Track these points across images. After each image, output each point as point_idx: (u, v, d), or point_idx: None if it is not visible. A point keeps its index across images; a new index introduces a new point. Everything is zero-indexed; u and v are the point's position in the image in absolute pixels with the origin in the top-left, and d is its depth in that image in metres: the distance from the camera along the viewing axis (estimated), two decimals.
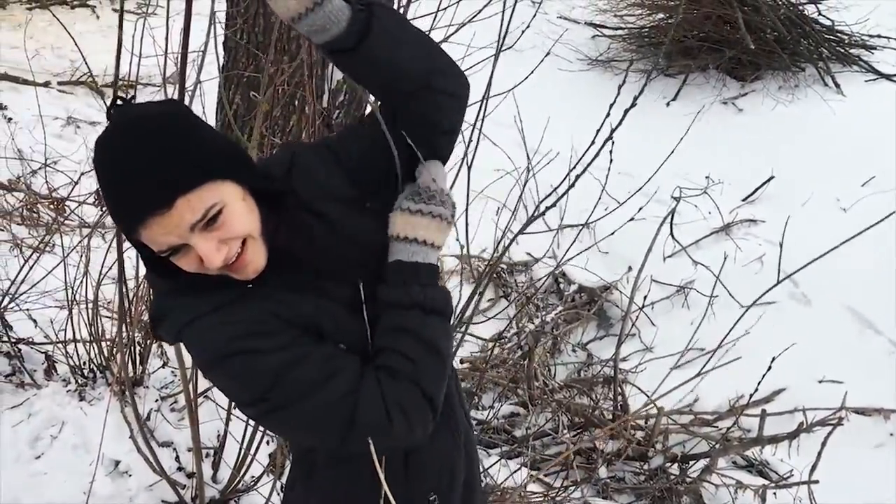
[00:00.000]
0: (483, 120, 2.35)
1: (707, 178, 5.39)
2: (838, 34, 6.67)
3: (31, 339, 3.20)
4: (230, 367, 1.22)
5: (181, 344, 1.35)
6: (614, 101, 1.98)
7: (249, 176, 1.26)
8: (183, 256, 1.19)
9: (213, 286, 1.25)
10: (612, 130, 2.03)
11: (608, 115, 2.07)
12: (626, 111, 1.94)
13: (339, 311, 1.30)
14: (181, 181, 1.15)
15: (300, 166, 1.41)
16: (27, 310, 3.20)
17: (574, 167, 2.32)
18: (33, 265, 3.11)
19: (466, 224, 2.86)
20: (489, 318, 4.44)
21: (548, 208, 2.35)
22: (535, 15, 2.33)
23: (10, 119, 5.46)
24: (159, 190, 1.14)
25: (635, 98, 1.94)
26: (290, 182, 1.37)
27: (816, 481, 3.12)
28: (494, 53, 2.21)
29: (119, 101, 1.21)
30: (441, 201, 1.36)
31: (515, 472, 3.05)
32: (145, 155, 1.14)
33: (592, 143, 2.07)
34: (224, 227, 1.19)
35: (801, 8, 6.66)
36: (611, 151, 2.21)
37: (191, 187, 1.15)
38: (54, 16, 2.62)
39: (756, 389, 3.26)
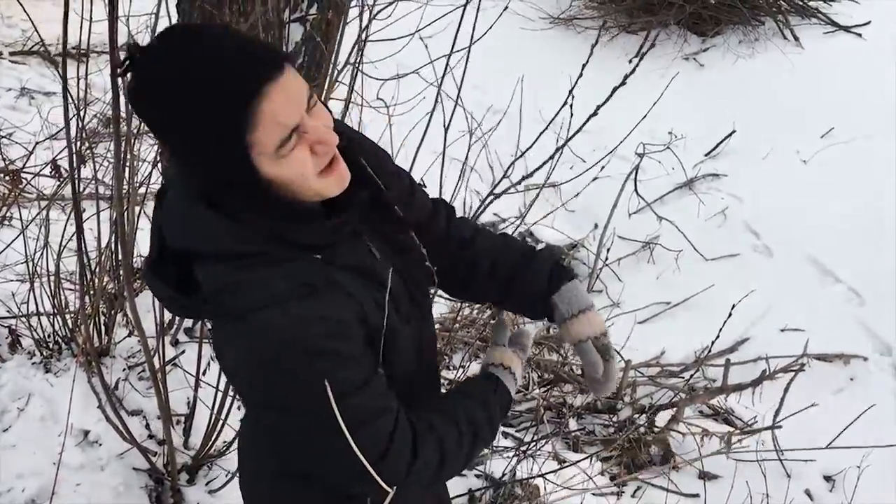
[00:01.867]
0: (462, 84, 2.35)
1: (670, 133, 5.43)
2: None
3: None
4: (304, 368, 1.13)
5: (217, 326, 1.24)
6: (586, 62, 1.99)
7: None
8: (296, 148, 1.09)
9: (290, 258, 1.15)
10: (598, 107, 2.05)
11: (580, 75, 2.09)
12: (626, 76, 1.96)
13: (393, 322, 1.27)
14: (280, 50, 1.15)
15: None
16: None
17: (548, 128, 2.32)
18: None
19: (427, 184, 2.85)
20: None
21: (536, 170, 2.37)
22: None
23: None
24: (269, 53, 1.08)
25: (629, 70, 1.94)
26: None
27: (780, 426, 3.21)
28: (460, 7, 2.20)
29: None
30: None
31: None
32: (236, 37, 1.10)
33: (567, 104, 2.09)
34: (321, 112, 1.13)
35: None
36: (570, 105, 2.21)
37: (287, 59, 1.09)
38: None
39: (717, 337, 3.32)
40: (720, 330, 3.24)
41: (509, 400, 1.48)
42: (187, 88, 1.04)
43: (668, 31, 6.79)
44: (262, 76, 1.04)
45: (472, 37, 2.28)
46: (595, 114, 2.16)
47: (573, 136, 2.40)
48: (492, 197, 2.72)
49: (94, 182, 2.73)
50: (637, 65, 2.12)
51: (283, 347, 1.12)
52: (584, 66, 2.00)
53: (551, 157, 2.48)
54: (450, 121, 2.39)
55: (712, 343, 3.44)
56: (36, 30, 2.77)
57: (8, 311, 3.16)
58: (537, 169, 2.58)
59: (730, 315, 3.15)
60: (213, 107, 1.04)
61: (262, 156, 1.08)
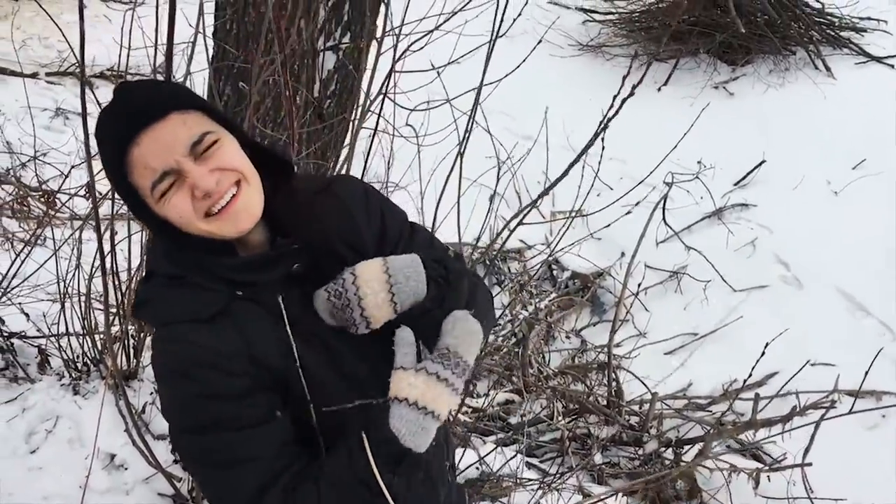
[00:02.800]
0: (475, 105, 2.35)
1: (699, 162, 5.40)
2: (828, 17, 6.67)
3: (23, 333, 3.18)
4: (173, 385, 1.21)
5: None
6: (617, 93, 1.98)
7: (246, 135, 1.26)
8: (175, 193, 1.16)
9: (204, 286, 1.22)
10: (607, 119, 2.03)
11: (611, 107, 2.08)
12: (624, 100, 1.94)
13: (316, 370, 1.24)
14: (176, 100, 1.17)
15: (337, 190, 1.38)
16: (19, 304, 3.18)
17: (577, 160, 2.31)
18: (25, 259, 3.09)
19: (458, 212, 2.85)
20: None
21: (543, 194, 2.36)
22: (527, 2, 2.31)
23: None
24: (152, 104, 1.15)
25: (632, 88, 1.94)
26: (291, 165, 1.33)
27: (810, 464, 3.14)
28: (490, 40, 2.21)
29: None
30: (463, 369, 1.18)
31: (511, 458, 3.06)
32: (144, 87, 1.20)
33: (597, 135, 2.08)
34: (217, 156, 1.17)
35: None
36: (602, 139, 2.21)
37: (185, 107, 1.17)
38: (41, 6, 2.59)
39: (749, 375, 3.28)
40: (752, 368, 3.20)
41: (391, 441, 1.14)
42: (97, 140, 1.20)
43: (698, 60, 6.78)
44: (134, 126, 1.14)
45: (486, 67, 2.28)
46: (605, 127, 2.15)
47: (572, 165, 2.37)
48: (517, 224, 2.72)
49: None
50: (613, 103, 2.11)
51: (162, 363, 1.23)
52: (622, 100, 1.99)
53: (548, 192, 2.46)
54: (464, 144, 2.39)
55: (745, 382, 3.40)
56: (73, 51, 2.82)
57: (38, 331, 3.19)
58: (550, 188, 2.56)
59: (763, 354, 3.10)
60: (103, 155, 1.19)
61: (147, 198, 1.18)
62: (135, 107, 1.15)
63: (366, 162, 2.62)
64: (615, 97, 2.07)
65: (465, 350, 1.19)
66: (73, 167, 3.43)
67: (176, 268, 1.23)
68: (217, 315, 1.20)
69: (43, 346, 3.14)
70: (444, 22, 2.41)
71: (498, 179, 2.93)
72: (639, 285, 4.38)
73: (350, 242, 1.32)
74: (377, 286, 1.21)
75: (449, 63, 2.52)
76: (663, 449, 3.40)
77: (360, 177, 2.58)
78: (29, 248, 3.13)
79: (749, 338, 3.69)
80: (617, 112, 2.07)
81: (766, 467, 3.31)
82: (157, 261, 1.27)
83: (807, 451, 3.17)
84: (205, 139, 1.16)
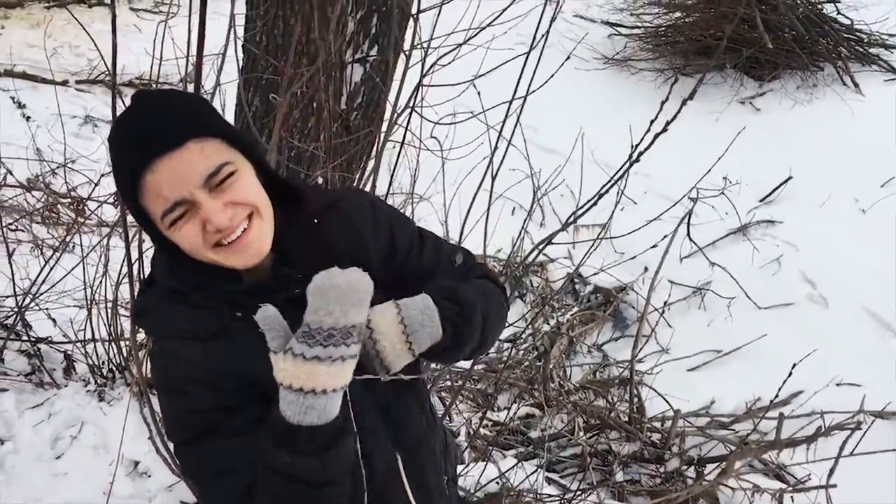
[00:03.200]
0: (516, 126, 2.36)
1: (724, 178, 5.37)
2: (857, 33, 6.62)
3: (50, 339, 3.22)
4: (168, 399, 1.25)
5: None
6: (655, 118, 1.98)
7: (263, 162, 1.25)
8: (186, 223, 1.15)
9: (204, 306, 1.23)
10: (639, 152, 2.03)
11: (648, 131, 2.07)
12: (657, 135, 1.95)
13: None
14: (195, 126, 1.15)
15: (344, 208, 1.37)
16: (47, 309, 3.22)
17: (611, 182, 2.31)
18: (53, 265, 3.13)
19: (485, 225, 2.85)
20: None
21: (577, 215, 2.35)
22: (554, 17, 2.31)
23: (28, 118, 5.50)
24: (170, 129, 1.12)
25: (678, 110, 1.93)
26: (305, 194, 1.32)
27: (834, 486, 3.09)
28: (525, 53, 2.22)
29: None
30: (343, 336, 1.12)
31: (531, 473, 3.04)
32: (163, 104, 1.16)
33: (632, 163, 2.08)
34: (233, 189, 1.16)
35: (819, 7, 6.62)
36: (632, 156, 2.20)
37: (204, 134, 1.15)
38: (72, 14, 2.64)
39: (776, 395, 3.24)
40: (779, 389, 3.16)
41: (277, 420, 1.13)
42: (110, 151, 1.18)
43: (724, 75, 6.75)
44: (149, 152, 1.12)
45: (528, 86, 2.28)
46: (637, 160, 2.14)
47: (603, 193, 2.37)
48: (546, 244, 2.71)
49: None
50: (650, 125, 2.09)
51: (159, 378, 1.27)
52: (655, 136, 1.97)
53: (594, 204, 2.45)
54: (500, 164, 2.39)
55: (771, 402, 3.36)
56: (103, 59, 2.85)
57: (65, 337, 3.22)
58: (585, 210, 2.55)
59: (790, 374, 3.07)
60: (116, 173, 1.18)
61: (157, 222, 1.17)
62: (151, 129, 1.13)
63: (392, 174, 2.63)
64: (652, 121, 2.05)
65: (334, 318, 1.11)
66: (102, 175, 3.47)
67: (179, 284, 1.25)
68: (216, 334, 1.23)
69: (69, 352, 3.17)
70: (473, 36, 2.42)
71: (533, 202, 2.93)
72: (665, 302, 4.35)
73: (356, 259, 1.29)
74: (395, 338, 1.20)
75: (478, 76, 2.52)
76: (685, 467, 3.37)
77: (386, 188, 2.60)
78: (57, 254, 3.17)
79: (773, 356, 3.64)
80: (649, 147, 2.06)
81: (790, 488, 3.27)
82: (161, 272, 1.28)
83: (831, 472, 3.13)
84: (221, 171, 1.14)
